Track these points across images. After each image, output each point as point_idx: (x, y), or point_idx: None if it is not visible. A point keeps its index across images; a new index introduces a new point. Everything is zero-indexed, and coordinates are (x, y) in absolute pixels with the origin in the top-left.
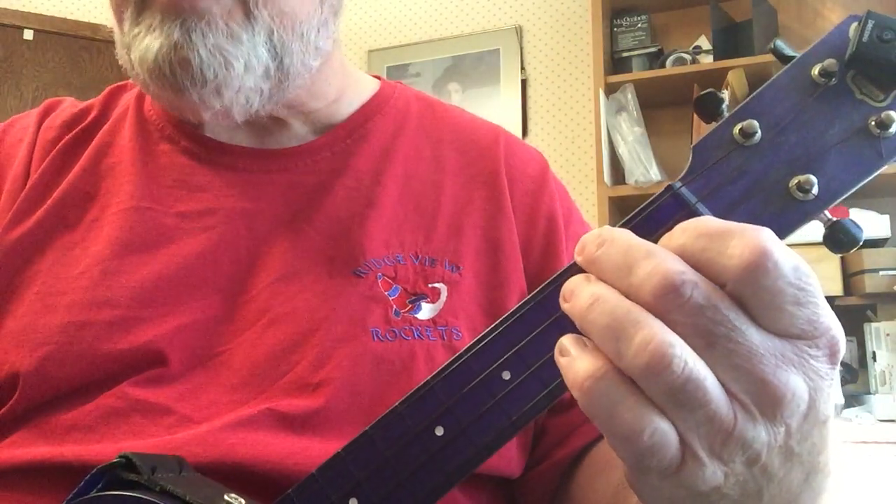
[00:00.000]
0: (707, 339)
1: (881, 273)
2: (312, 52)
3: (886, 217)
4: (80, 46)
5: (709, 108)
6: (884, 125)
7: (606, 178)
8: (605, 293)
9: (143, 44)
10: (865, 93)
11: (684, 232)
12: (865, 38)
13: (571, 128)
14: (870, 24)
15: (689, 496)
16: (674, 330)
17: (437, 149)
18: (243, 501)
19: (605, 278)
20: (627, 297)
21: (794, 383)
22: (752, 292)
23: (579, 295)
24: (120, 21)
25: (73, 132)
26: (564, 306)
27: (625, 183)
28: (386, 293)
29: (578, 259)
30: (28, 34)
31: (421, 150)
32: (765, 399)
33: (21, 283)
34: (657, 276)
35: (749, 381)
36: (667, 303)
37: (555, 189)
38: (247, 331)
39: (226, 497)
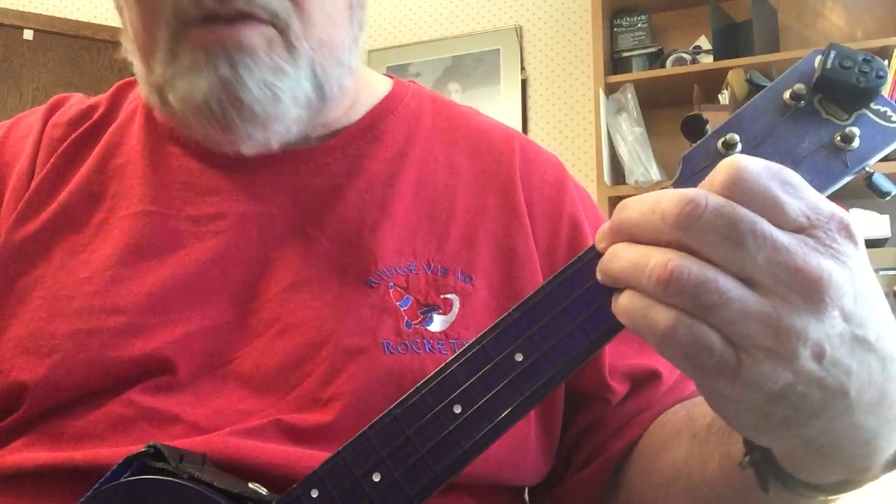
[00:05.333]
0: (735, 239)
1: (881, 273)
2: (346, 74)
3: (886, 217)
4: (80, 46)
5: (694, 128)
6: (848, 139)
7: (606, 178)
8: (620, 246)
9: (188, 84)
10: (831, 113)
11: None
12: (829, 65)
13: (571, 128)
14: (832, 54)
15: (765, 400)
16: (704, 240)
17: (450, 153)
18: (265, 491)
19: (634, 230)
20: (658, 234)
21: (828, 266)
22: (745, 197)
23: (602, 261)
24: (147, 58)
25: (80, 130)
26: (600, 277)
27: (625, 183)
28: (397, 304)
29: (601, 245)
30: (28, 34)
31: (434, 155)
32: (804, 286)
33: (26, 285)
34: (675, 198)
35: (784, 271)
36: (689, 215)
37: (575, 193)
38: (256, 339)
39: (249, 485)
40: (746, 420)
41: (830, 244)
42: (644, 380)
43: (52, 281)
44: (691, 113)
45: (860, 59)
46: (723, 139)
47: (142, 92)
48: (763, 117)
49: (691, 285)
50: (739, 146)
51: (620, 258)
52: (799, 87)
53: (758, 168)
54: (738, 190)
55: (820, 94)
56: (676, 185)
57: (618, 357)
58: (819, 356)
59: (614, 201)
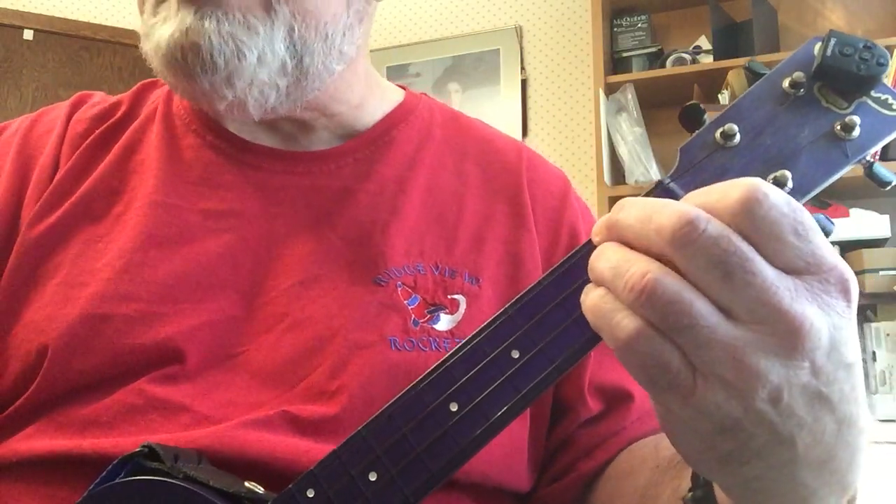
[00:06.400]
0: (724, 270)
1: (881, 273)
2: (336, 56)
3: (886, 217)
4: (80, 46)
5: (692, 118)
6: (848, 128)
7: (606, 178)
8: (608, 245)
9: (159, 32)
10: (831, 101)
11: (686, 199)
12: (829, 52)
13: (571, 128)
14: (832, 41)
15: (713, 429)
16: (692, 264)
17: (460, 162)
18: (262, 490)
19: (627, 233)
20: (650, 244)
21: (812, 314)
22: (752, 225)
23: (591, 257)
24: (141, 12)
25: (103, 127)
26: (589, 273)
27: (625, 183)
28: (405, 302)
29: (596, 239)
30: (28, 34)
31: (444, 162)
32: (783, 329)
33: (44, 273)
34: (675, 215)
35: (766, 311)
36: (684, 236)
37: (577, 206)
38: (265, 333)
39: (246, 484)
40: (691, 446)
41: (821, 294)
42: (617, 400)
43: (68, 268)
44: (689, 103)
45: (861, 45)
46: (721, 129)
47: (142, 48)
48: (762, 107)
49: (663, 302)
50: (738, 137)
51: (607, 258)
52: (798, 75)
53: (777, 201)
54: (750, 216)
55: (819, 82)
56: (674, 177)
57: (598, 368)
58: (775, 400)
59: (614, 201)
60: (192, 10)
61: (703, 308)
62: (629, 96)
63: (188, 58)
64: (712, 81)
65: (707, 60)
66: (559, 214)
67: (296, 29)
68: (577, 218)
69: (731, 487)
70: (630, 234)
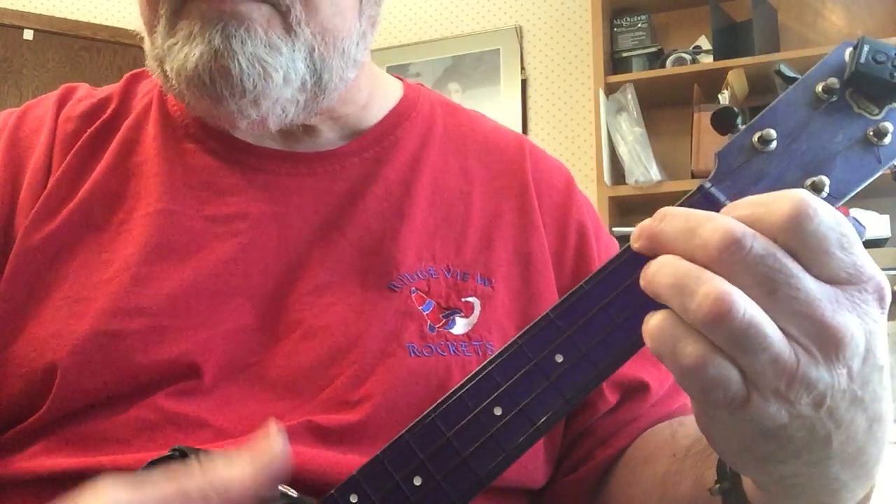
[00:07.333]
0: (769, 287)
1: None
2: (351, 65)
3: (886, 217)
4: (80, 46)
5: (725, 122)
6: (880, 134)
7: (606, 178)
8: (668, 258)
9: (182, 53)
10: (862, 107)
11: (732, 208)
12: (863, 59)
13: (571, 128)
14: (866, 48)
15: (756, 433)
16: (737, 282)
17: (463, 160)
18: (296, 493)
19: (670, 247)
20: (693, 259)
21: (852, 325)
22: (800, 239)
23: (646, 267)
24: (151, 31)
25: (95, 125)
26: (643, 284)
27: (625, 183)
28: (420, 308)
29: (636, 245)
30: (28, 34)
31: (448, 160)
32: (825, 341)
33: (46, 285)
34: (720, 231)
35: (810, 324)
36: (731, 255)
37: (581, 201)
38: (281, 342)
39: (280, 488)
40: (731, 448)
41: (860, 303)
42: (633, 390)
43: (72, 281)
44: (723, 106)
45: (893, 53)
46: (759, 134)
47: (148, 66)
48: (797, 112)
49: (743, 325)
50: (775, 142)
51: (665, 273)
52: (832, 81)
53: (826, 215)
54: (799, 231)
55: (851, 88)
56: (714, 180)
57: None
58: (819, 404)
59: (614, 201)
60: (219, 29)
61: (769, 327)
62: (629, 96)
63: (217, 82)
64: (712, 81)
65: (707, 60)
66: (566, 211)
67: (316, 49)
68: (583, 213)
69: (766, 484)
70: (674, 248)
